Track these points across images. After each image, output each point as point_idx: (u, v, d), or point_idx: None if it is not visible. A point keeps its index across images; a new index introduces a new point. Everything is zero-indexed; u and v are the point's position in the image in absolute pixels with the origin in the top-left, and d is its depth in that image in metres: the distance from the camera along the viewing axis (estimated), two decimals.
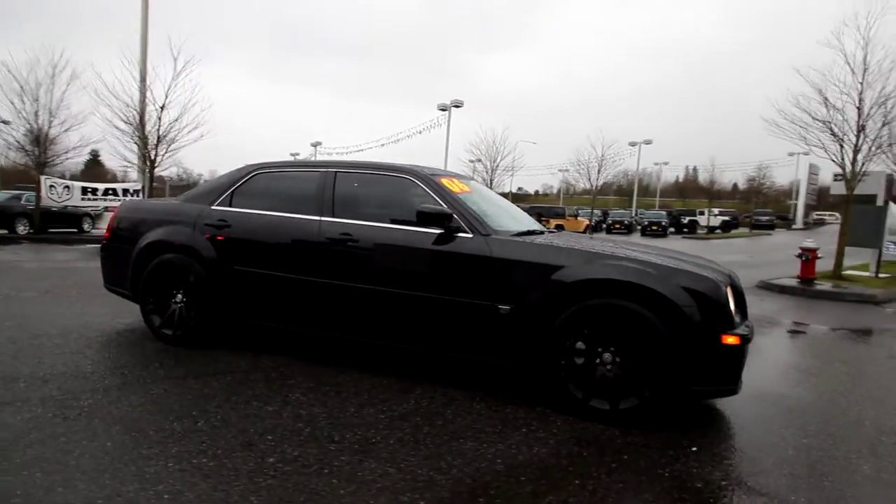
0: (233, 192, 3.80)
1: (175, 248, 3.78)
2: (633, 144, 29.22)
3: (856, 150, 8.86)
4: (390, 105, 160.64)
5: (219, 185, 3.92)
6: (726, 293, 2.76)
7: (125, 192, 14.96)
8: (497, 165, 21.94)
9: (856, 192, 9.47)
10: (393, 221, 3.34)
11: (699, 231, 29.73)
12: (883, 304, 7.52)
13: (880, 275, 9.42)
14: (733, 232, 30.18)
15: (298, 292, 3.41)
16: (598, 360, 2.81)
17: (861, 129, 8.75)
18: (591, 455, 2.43)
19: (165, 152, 11.55)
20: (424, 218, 3.06)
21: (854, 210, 9.39)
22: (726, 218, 32.00)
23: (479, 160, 37.23)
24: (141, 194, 14.23)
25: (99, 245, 4.48)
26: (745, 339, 2.73)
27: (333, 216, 3.41)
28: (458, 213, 3.13)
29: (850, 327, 6.03)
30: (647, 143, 29.91)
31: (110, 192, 14.82)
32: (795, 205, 38.89)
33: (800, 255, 8.42)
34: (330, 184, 3.51)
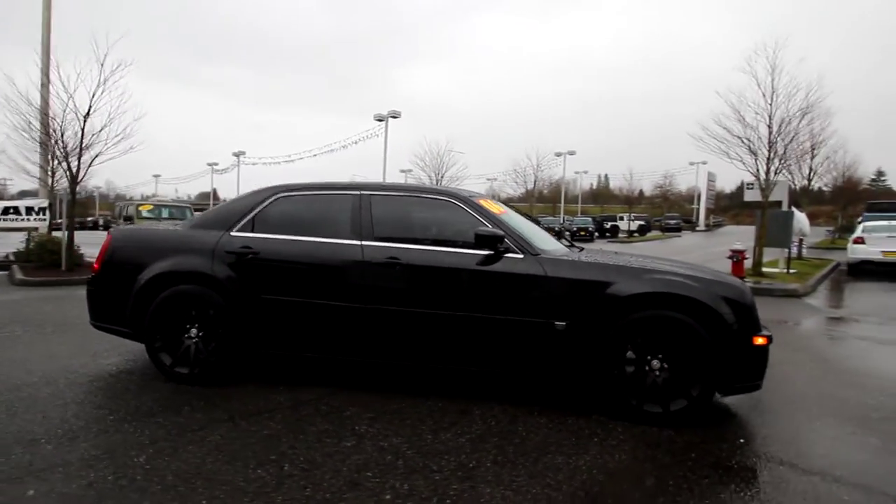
0: (254, 216, 3.60)
1: (191, 278, 3.49)
2: (558, 155, 31.17)
3: (768, 163, 10.21)
4: (308, 114, 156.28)
5: (235, 209, 3.69)
6: (753, 300, 3.13)
7: (29, 210, 13.19)
8: (442, 176, 22.22)
9: (757, 199, 10.92)
10: (436, 243, 3.37)
11: (620, 235, 32.27)
12: (803, 296, 8.73)
13: (790, 271, 10.89)
14: (648, 235, 33.07)
15: (342, 320, 3.31)
16: (647, 367, 3.06)
17: (772, 144, 10.10)
18: (665, 456, 2.64)
19: (90, 165, 10.35)
20: (482, 240, 3.14)
21: (768, 215, 10.78)
22: (642, 222, 35.07)
23: (411, 171, 37.38)
24: (47, 212, 12.64)
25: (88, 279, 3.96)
26: (770, 339, 3.12)
27: (374, 240, 3.37)
28: (506, 235, 3.24)
29: (788, 319, 6.95)
30: (572, 153, 32.07)
31: (11, 210, 12.98)
32: (697, 209, 43.67)
33: (731, 257, 9.50)
34: (367, 207, 3.45)
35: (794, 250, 13.46)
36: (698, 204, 43.88)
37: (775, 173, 10.34)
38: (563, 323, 3.08)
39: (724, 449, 2.76)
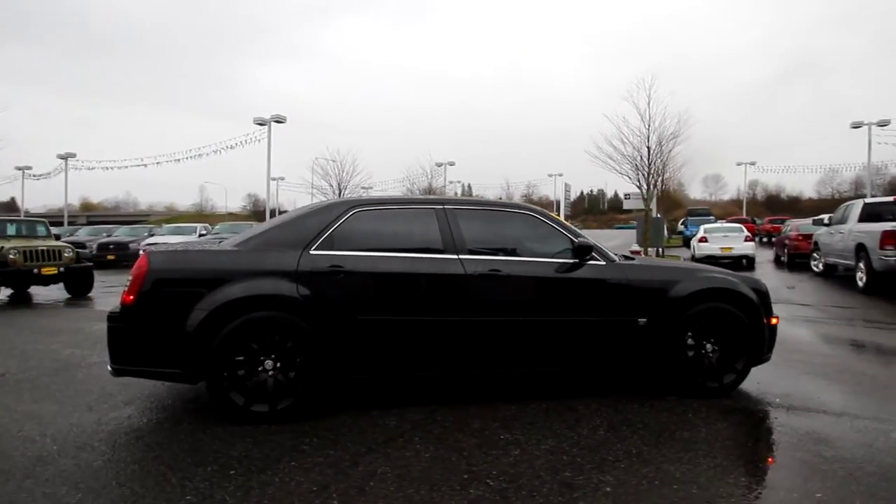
0: (332, 233, 3.36)
1: (270, 303, 3.13)
2: (439, 165, 32.51)
3: (648, 177, 12.29)
4: (153, 112, 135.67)
5: (306, 226, 3.38)
6: (768, 288, 3.98)
7: None
8: (346, 186, 21.47)
9: (637, 208, 13.12)
10: (526, 254, 3.58)
11: None
12: None
13: None
14: None
15: (448, 335, 3.31)
16: (703, 351, 3.68)
17: (650, 163, 12.20)
18: (743, 421, 3.26)
19: None
20: (581, 250, 3.46)
21: (646, 220, 12.93)
22: None
23: (284, 178, 35.17)
24: None
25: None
26: (779, 319, 3.99)
27: (468, 253, 3.43)
28: (592, 245, 3.59)
29: None
30: (451, 164, 33.71)
31: None
32: (557, 215, 49.53)
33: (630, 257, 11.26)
34: (454, 221, 3.49)
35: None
36: (558, 211, 49.81)
37: (653, 186, 12.50)
38: (645, 319, 3.55)
39: (771, 409, 3.49)
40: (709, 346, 3.69)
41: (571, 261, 3.54)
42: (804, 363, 4.68)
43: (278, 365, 3.16)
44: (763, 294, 3.86)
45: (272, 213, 23.88)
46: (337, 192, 20.75)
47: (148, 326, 3.12)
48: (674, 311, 3.59)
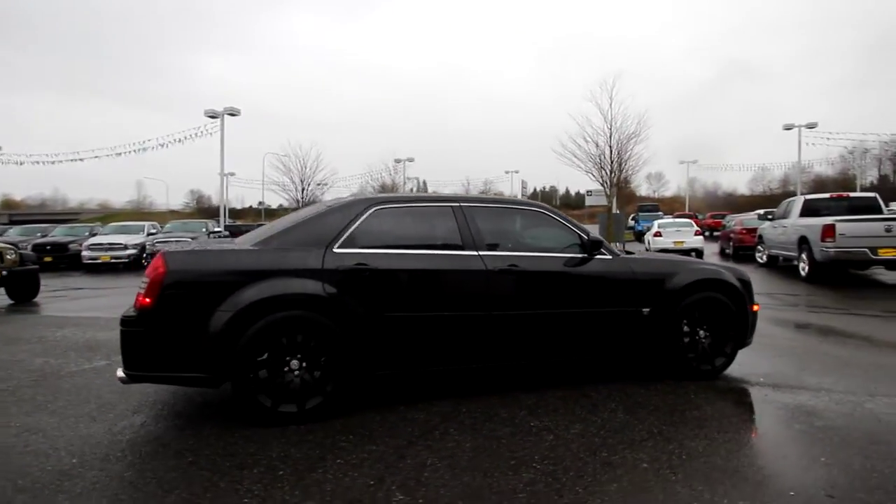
0: (353, 231, 3.36)
1: (296, 302, 3.10)
2: (398, 161, 32.21)
3: (611, 175, 12.88)
4: (73, 103, 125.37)
5: (328, 223, 3.36)
6: (750, 278, 4.35)
7: None
8: (309, 182, 20.87)
9: (598, 204, 13.74)
10: (540, 250, 3.73)
11: None
12: None
13: None
14: None
15: (471, 329, 3.40)
16: (697, 337, 3.99)
17: (612, 160, 12.78)
18: (739, 399, 3.58)
19: None
20: (593, 245, 3.65)
21: (609, 216, 13.54)
22: None
23: (234, 173, 33.79)
24: None
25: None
26: (759, 307, 4.37)
27: (487, 249, 3.54)
28: (601, 241, 3.80)
29: None
30: (411, 160, 33.51)
31: None
32: None
33: None
34: (472, 218, 3.59)
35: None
36: None
37: (615, 184, 13.10)
38: (648, 309, 3.80)
39: (759, 387, 3.84)
40: (702, 332, 4.00)
41: (581, 255, 3.73)
42: (773, 346, 5.13)
43: (304, 364, 3.15)
44: (746, 283, 4.23)
45: (225, 210, 22.91)
46: (300, 188, 20.25)
47: (168, 330, 3.00)
48: (672, 300, 3.87)
